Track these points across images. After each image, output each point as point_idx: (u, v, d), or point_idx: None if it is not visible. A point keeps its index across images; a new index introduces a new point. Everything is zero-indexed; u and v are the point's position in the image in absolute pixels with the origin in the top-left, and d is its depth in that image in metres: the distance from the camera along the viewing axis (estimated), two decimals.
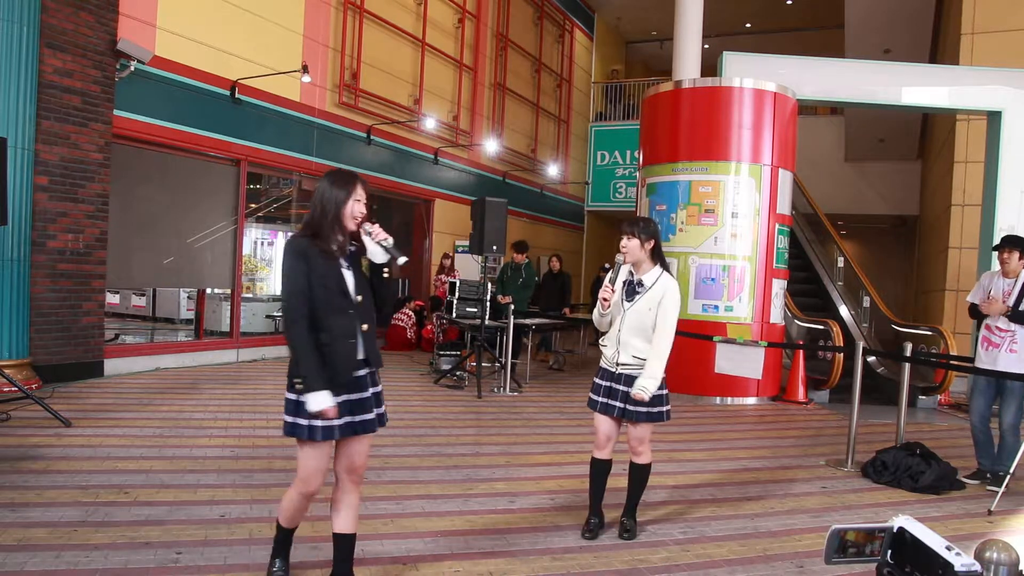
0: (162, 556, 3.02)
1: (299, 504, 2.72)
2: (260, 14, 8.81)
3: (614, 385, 3.48)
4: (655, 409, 3.44)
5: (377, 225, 2.70)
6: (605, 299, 3.42)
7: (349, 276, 2.65)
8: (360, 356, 2.64)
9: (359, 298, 2.65)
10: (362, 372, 2.66)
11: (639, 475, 3.62)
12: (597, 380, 3.57)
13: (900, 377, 5.39)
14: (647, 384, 3.33)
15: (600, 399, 3.52)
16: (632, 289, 3.45)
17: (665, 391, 3.48)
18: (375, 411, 2.68)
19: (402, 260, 2.71)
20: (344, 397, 2.58)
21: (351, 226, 2.65)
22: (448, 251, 12.27)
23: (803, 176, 11.36)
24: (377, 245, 2.69)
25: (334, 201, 2.62)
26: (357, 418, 2.62)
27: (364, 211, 2.68)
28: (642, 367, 3.41)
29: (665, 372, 3.45)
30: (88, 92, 6.74)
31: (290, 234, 2.80)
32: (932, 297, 12.14)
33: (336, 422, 2.55)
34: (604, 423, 3.55)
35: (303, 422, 2.54)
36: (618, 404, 3.45)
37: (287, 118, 9.27)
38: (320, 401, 2.48)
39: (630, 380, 3.42)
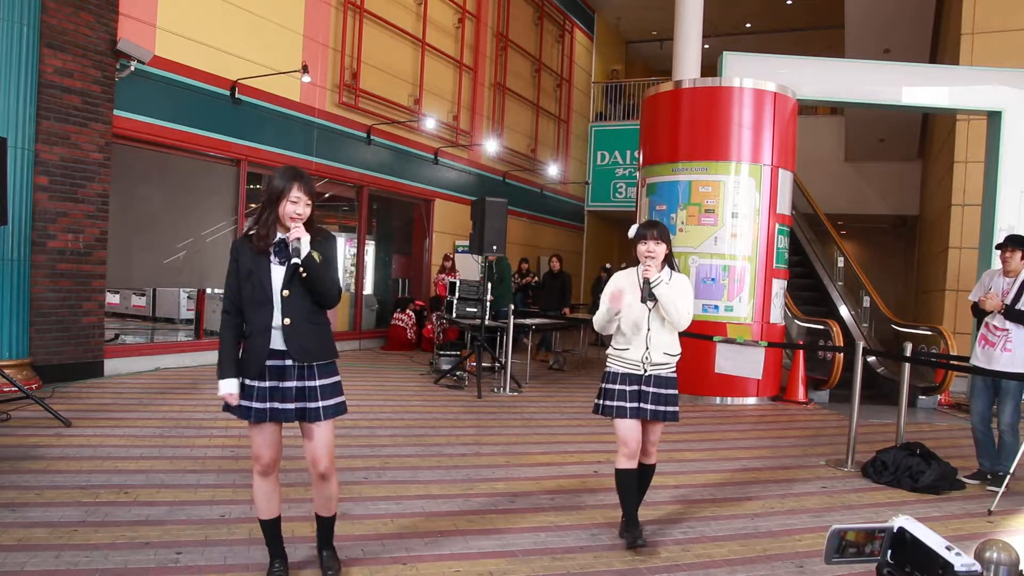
0: (162, 556, 3.02)
1: (260, 486, 2.82)
2: (260, 14, 8.81)
3: (643, 388, 3.42)
4: (675, 408, 3.46)
5: (300, 227, 2.70)
6: (645, 298, 3.34)
7: (278, 272, 2.72)
8: (279, 346, 2.71)
9: (285, 293, 2.72)
10: (288, 362, 2.73)
11: (649, 475, 3.64)
12: (618, 387, 3.43)
13: (900, 377, 5.39)
14: (661, 286, 3.35)
15: (628, 404, 3.40)
16: (650, 291, 3.37)
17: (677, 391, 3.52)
18: (298, 404, 2.74)
19: (294, 260, 2.67)
20: (268, 384, 2.72)
21: (287, 223, 2.71)
22: (448, 251, 12.28)
23: (803, 176, 11.36)
24: (290, 244, 2.70)
25: (270, 196, 2.72)
26: (278, 405, 2.73)
27: (302, 212, 2.71)
28: (672, 365, 3.45)
29: (677, 372, 3.52)
30: (88, 92, 6.74)
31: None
32: (932, 297, 12.14)
33: (254, 405, 2.71)
34: (633, 430, 3.42)
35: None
36: (649, 407, 3.40)
37: (287, 118, 9.27)
38: (223, 387, 2.70)
39: (660, 381, 3.42)
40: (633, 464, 3.46)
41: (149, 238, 7.79)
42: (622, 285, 3.45)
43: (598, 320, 3.52)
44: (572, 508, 3.98)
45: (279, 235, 2.74)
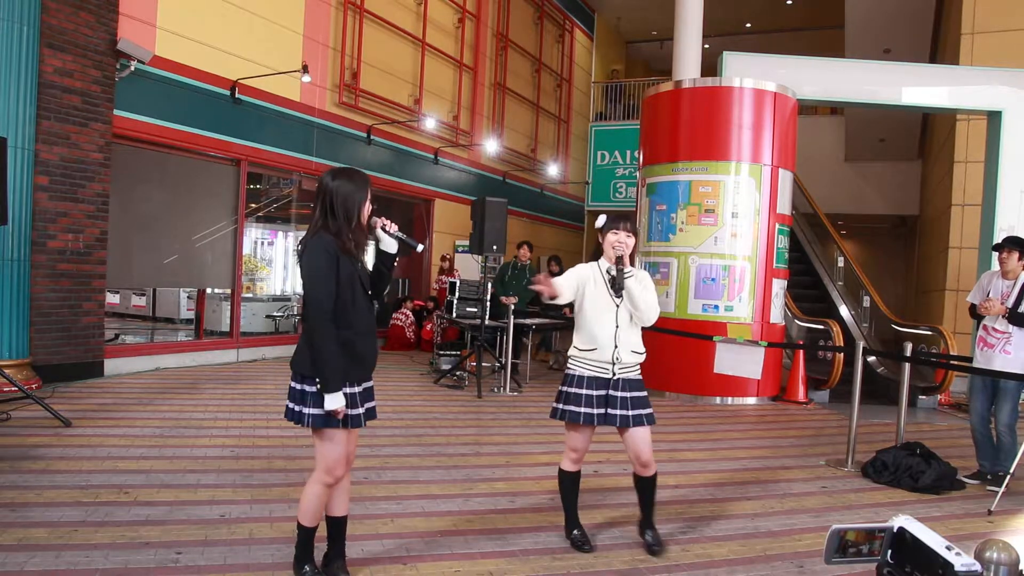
0: (162, 556, 3.02)
1: (324, 496, 2.77)
2: (260, 14, 8.81)
3: (611, 392, 3.23)
4: (651, 409, 3.29)
5: (383, 217, 2.82)
6: (617, 284, 3.14)
7: (363, 273, 2.80)
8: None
9: (370, 292, 2.81)
10: (368, 362, 2.83)
11: (652, 486, 3.36)
12: (585, 391, 3.23)
13: (900, 377, 5.39)
14: (631, 279, 3.17)
15: (593, 411, 3.21)
16: (617, 284, 3.18)
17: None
18: (376, 401, 2.89)
19: (420, 248, 2.86)
20: (361, 387, 2.76)
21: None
22: (448, 251, 12.27)
23: (803, 176, 11.36)
24: (391, 237, 2.81)
25: (356, 203, 2.71)
26: (368, 405, 2.80)
27: (370, 208, 2.81)
28: (638, 367, 3.30)
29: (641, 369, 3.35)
30: (88, 92, 6.74)
31: (304, 233, 2.85)
32: (932, 297, 12.15)
33: (360, 411, 2.73)
34: (584, 438, 3.33)
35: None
36: (620, 412, 3.21)
37: (287, 118, 9.27)
38: (337, 401, 2.61)
39: (629, 384, 3.25)
40: (577, 468, 3.39)
41: (149, 238, 7.79)
42: (585, 276, 3.27)
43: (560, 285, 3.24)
44: None
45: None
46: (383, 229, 2.80)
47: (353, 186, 2.70)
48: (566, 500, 3.45)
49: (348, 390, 2.66)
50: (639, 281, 3.25)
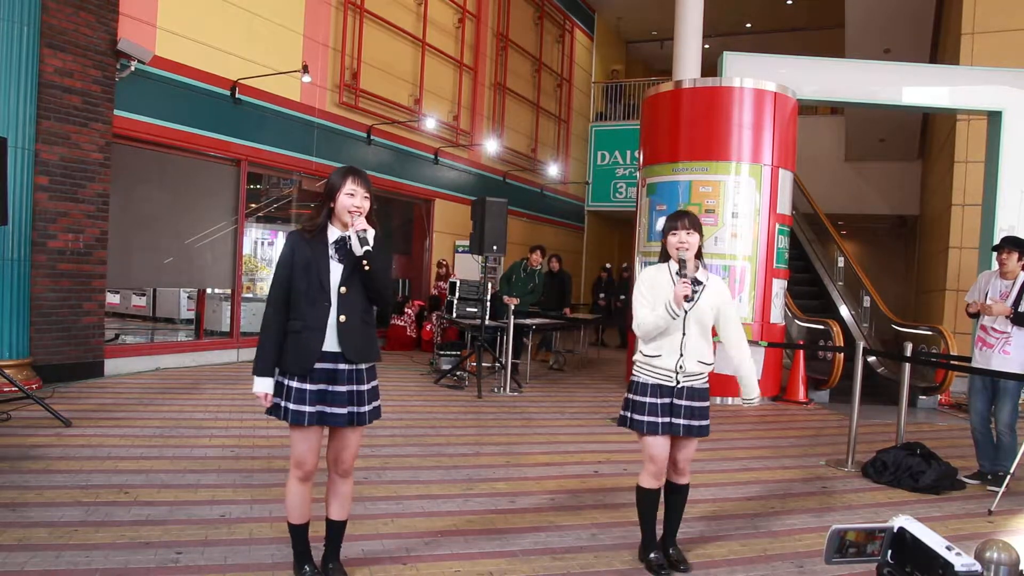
0: (162, 556, 3.02)
1: (299, 491, 2.77)
2: (260, 14, 8.81)
3: (676, 401, 3.09)
4: (707, 422, 3.16)
5: (362, 218, 2.69)
6: (688, 297, 2.98)
7: (337, 268, 2.70)
8: (333, 348, 2.68)
9: (343, 290, 2.69)
10: (341, 366, 2.70)
11: (684, 496, 3.30)
12: (648, 399, 3.10)
13: (900, 377, 5.39)
14: (753, 394, 3.19)
15: (659, 419, 3.07)
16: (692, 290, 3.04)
17: None
18: (349, 408, 2.71)
19: (361, 250, 2.64)
20: (319, 387, 2.67)
21: (345, 218, 2.70)
22: (447, 252, 12.25)
23: (803, 176, 11.36)
24: (354, 234, 2.68)
25: (328, 193, 2.73)
26: (327, 410, 2.68)
27: (360, 205, 2.69)
28: (706, 375, 3.16)
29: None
30: (88, 92, 6.74)
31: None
32: (932, 297, 12.14)
33: (306, 408, 2.65)
34: (664, 448, 3.12)
35: (281, 403, 2.67)
36: (682, 422, 3.09)
37: (287, 118, 9.27)
38: (259, 385, 2.67)
39: (693, 393, 3.11)
40: (659, 483, 3.17)
41: (149, 238, 7.79)
42: (655, 280, 3.13)
43: (649, 326, 3.08)
44: (572, 508, 3.98)
45: (339, 232, 2.73)
46: (351, 224, 2.68)
47: (332, 178, 2.74)
48: (645, 521, 3.22)
49: (296, 384, 2.64)
50: (715, 293, 3.11)
